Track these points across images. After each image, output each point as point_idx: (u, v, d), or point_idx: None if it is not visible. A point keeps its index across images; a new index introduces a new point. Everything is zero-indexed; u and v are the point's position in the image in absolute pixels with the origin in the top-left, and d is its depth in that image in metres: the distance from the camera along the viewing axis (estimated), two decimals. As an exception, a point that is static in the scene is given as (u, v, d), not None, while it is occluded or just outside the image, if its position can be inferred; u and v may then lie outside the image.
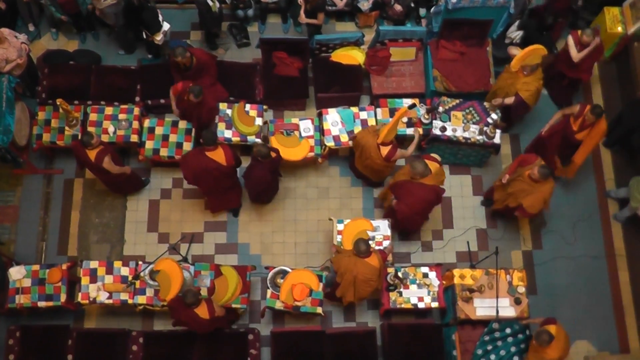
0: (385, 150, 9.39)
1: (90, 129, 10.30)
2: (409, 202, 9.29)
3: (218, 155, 9.14)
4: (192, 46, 11.44)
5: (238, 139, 10.40)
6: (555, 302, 10.34)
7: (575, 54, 10.35)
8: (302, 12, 10.87)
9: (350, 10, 11.93)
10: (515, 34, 10.94)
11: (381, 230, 9.78)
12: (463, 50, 10.95)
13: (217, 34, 11.64)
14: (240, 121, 10.37)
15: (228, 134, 10.39)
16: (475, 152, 10.62)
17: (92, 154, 9.21)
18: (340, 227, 9.76)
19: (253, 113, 10.53)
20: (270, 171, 9.54)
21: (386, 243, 9.70)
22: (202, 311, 8.52)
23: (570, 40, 10.38)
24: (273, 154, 9.40)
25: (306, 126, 10.51)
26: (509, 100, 10.09)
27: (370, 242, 9.43)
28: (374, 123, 10.43)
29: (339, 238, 9.69)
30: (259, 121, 10.48)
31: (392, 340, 9.53)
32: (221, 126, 10.40)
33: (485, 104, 10.44)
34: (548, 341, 8.16)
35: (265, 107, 10.71)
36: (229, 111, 10.48)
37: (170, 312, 8.85)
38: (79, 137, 9.15)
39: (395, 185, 9.47)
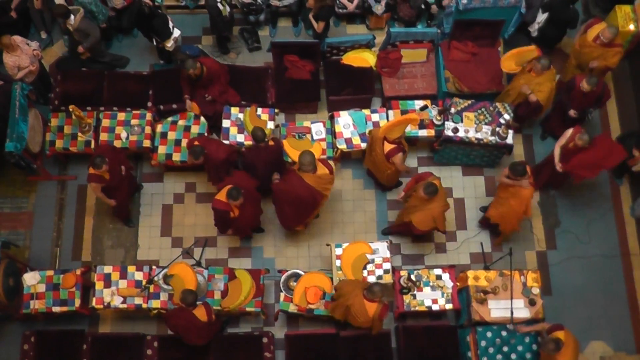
0: (388, 147, 9.39)
1: (103, 134, 10.39)
2: (282, 187, 9.26)
3: (221, 196, 9.03)
4: (204, 51, 11.50)
5: (250, 142, 10.41)
6: (570, 302, 10.28)
7: (558, 148, 9.83)
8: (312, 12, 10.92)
9: (361, 13, 11.93)
10: (541, 17, 10.82)
11: (380, 252, 9.68)
12: (475, 50, 10.93)
13: (229, 38, 11.67)
14: (252, 125, 10.38)
15: (240, 138, 10.41)
16: (488, 153, 10.59)
17: (90, 170, 9.25)
18: (338, 251, 9.67)
19: (265, 117, 10.54)
20: (268, 160, 9.60)
21: (386, 265, 9.60)
22: (200, 313, 8.58)
23: (568, 132, 9.71)
24: (271, 142, 9.50)
25: (318, 129, 10.51)
26: (533, 97, 10.00)
27: (369, 265, 9.53)
28: (386, 125, 10.43)
29: (337, 263, 9.61)
30: (270, 125, 10.48)
31: (407, 343, 9.50)
32: (233, 130, 10.42)
33: (497, 104, 10.40)
34: (555, 349, 8.11)
35: (276, 110, 10.72)
36: (240, 115, 10.50)
37: (167, 320, 8.87)
38: (94, 161, 9.13)
39: (288, 169, 9.55)
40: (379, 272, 9.52)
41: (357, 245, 9.68)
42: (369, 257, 9.61)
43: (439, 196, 9.11)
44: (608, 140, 9.93)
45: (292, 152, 10.09)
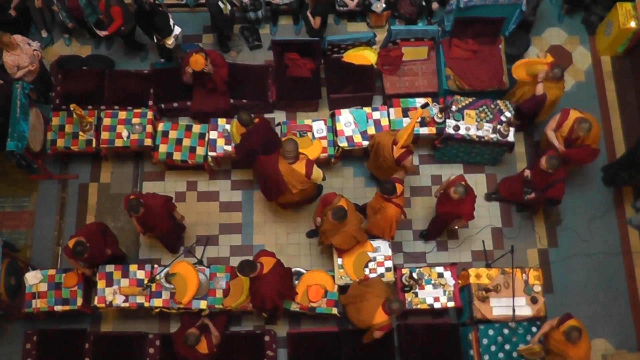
0: (398, 152, 9.35)
1: (104, 133, 10.40)
2: (261, 159, 9.35)
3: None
4: (204, 49, 11.47)
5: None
6: (572, 300, 10.28)
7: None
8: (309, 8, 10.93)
9: (361, 11, 11.91)
10: None
11: (382, 250, 9.71)
12: (475, 48, 10.92)
13: (229, 37, 11.65)
14: (239, 135, 10.27)
15: (228, 148, 10.37)
16: (489, 151, 10.58)
17: (69, 243, 8.93)
18: None
19: None
20: (261, 138, 9.62)
21: (388, 263, 9.62)
22: (202, 347, 8.69)
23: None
24: (256, 120, 9.53)
25: (319, 127, 10.50)
26: (539, 89, 9.91)
27: (371, 263, 9.55)
28: (387, 123, 10.41)
29: (339, 261, 9.62)
30: None
31: (409, 340, 9.52)
32: (220, 142, 10.39)
33: (498, 101, 10.39)
34: (579, 336, 8.12)
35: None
36: (227, 126, 10.47)
37: (174, 343, 8.94)
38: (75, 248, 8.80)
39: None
40: (381, 270, 9.54)
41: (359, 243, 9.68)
42: (371, 255, 9.62)
43: (350, 217, 9.03)
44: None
45: None
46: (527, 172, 9.71)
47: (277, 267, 8.76)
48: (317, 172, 9.24)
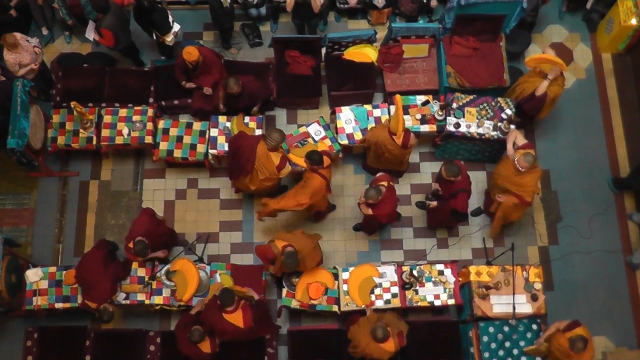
0: (399, 139, 9.40)
1: (105, 131, 10.41)
2: (241, 133, 9.60)
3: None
4: (205, 47, 11.47)
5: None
6: (572, 297, 10.29)
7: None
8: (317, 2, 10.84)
9: (362, 8, 11.90)
10: None
11: (388, 276, 9.63)
12: (476, 45, 10.89)
13: (230, 32, 11.62)
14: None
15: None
16: (490, 148, 10.58)
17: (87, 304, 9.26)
18: (345, 275, 9.62)
19: (252, 125, 10.49)
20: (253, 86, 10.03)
21: (394, 289, 9.56)
22: (205, 346, 8.69)
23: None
24: (239, 84, 9.81)
25: (315, 130, 10.48)
26: (542, 88, 9.90)
27: (377, 289, 9.49)
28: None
29: (345, 287, 9.56)
30: (258, 133, 10.39)
31: (409, 338, 9.47)
32: (221, 139, 10.39)
33: (499, 99, 10.38)
34: (583, 348, 8.06)
35: (262, 117, 10.72)
36: (228, 124, 10.48)
37: (176, 340, 8.93)
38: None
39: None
40: (387, 296, 9.51)
41: (364, 269, 9.64)
42: (377, 280, 9.58)
43: (300, 245, 8.99)
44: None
45: (301, 161, 9.86)
46: (436, 185, 9.70)
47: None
48: (287, 169, 9.44)
